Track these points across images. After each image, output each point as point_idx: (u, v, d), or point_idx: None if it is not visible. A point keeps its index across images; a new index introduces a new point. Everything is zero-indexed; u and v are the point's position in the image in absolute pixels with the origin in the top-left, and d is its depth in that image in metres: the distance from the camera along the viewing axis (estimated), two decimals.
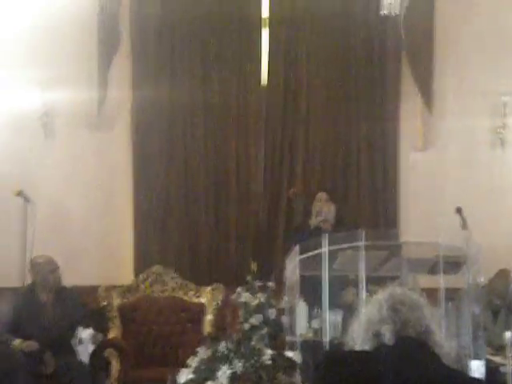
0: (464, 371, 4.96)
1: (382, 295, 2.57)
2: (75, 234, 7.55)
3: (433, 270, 5.28)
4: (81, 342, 6.30)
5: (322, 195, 6.76)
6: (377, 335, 2.49)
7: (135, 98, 7.65)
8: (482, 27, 7.73)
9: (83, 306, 6.74)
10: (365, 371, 2.43)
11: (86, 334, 6.31)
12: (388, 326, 2.47)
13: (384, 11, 5.84)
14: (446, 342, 2.52)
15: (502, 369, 5.71)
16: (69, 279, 6.78)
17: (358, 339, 2.54)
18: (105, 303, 7.08)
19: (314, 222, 6.62)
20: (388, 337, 2.46)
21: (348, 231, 5.63)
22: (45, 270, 6.60)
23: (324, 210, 6.64)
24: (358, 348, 2.55)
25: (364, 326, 2.53)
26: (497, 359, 5.93)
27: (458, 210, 6.11)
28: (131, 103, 7.67)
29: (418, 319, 2.48)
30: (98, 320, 6.81)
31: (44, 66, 7.35)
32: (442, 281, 4.86)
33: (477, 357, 5.29)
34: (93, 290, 7.10)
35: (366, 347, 2.51)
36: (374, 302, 2.56)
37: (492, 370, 5.68)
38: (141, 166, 7.70)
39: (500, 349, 5.85)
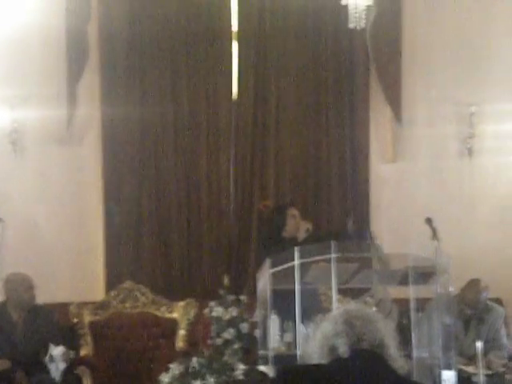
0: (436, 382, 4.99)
1: (336, 311, 2.60)
2: (46, 250, 7.49)
3: (403, 280, 5.29)
4: (52, 359, 6.24)
5: (294, 211, 6.73)
6: (332, 349, 2.52)
7: (105, 114, 7.62)
8: (450, 38, 7.80)
9: (55, 323, 6.69)
10: None
11: (57, 351, 6.25)
12: (342, 339, 2.48)
13: (351, 24, 5.87)
14: (400, 355, 2.54)
15: (473, 378, 5.74)
16: (39, 296, 6.73)
17: (314, 354, 2.56)
18: (76, 320, 7.03)
19: (300, 235, 6.58)
20: (342, 350, 2.49)
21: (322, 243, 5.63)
22: (20, 288, 6.55)
23: (306, 226, 6.63)
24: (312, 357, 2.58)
25: (319, 341, 2.56)
26: (469, 369, 5.96)
27: (428, 221, 6.12)
28: (101, 119, 7.64)
29: (372, 332, 2.51)
30: (70, 337, 6.76)
31: (12, 83, 7.33)
32: (411, 291, 4.88)
33: (448, 367, 5.31)
34: (64, 307, 7.04)
35: (322, 361, 2.53)
36: (329, 318, 2.59)
37: (464, 379, 5.70)
38: (111, 181, 7.67)
39: (472, 358, 5.87)
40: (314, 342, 2.59)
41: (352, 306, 2.65)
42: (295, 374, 2.55)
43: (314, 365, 2.56)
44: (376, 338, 2.50)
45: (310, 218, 6.90)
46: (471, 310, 6.38)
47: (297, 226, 6.54)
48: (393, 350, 2.52)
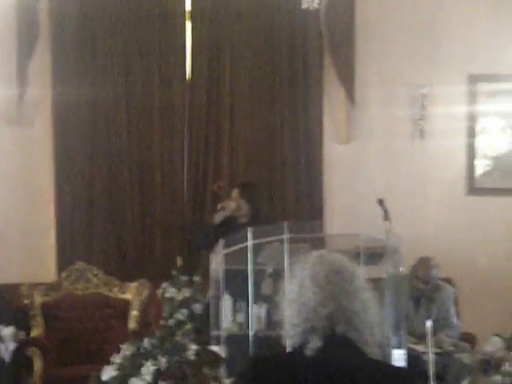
0: (387, 361, 5.04)
1: (313, 268, 2.48)
2: None
3: (354, 261, 5.32)
4: (1, 340, 6.19)
5: (234, 192, 6.78)
6: (308, 331, 2.44)
7: (56, 93, 7.54)
8: (403, 19, 7.82)
9: (5, 304, 6.63)
10: (290, 376, 2.42)
11: (6, 331, 6.20)
12: (319, 324, 2.42)
13: (304, 5, 5.87)
14: (373, 338, 2.49)
15: (423, 357, 5.81)
16: None
17: (289, 327, 2.50)
18: (27, 301, 6.97)
19: (216, 218, 6.64)
20: (318, 337, 2.43)
21: (265, 225, 5.65)
22: None
23: (230, 205, 6.68)
24: (286, 340, 2.53)
25: (297, 314, 2.44)
26: (419, 348, 6.03)
27: (380, 202, 6.16)
28: (52, 98, 7.55)
29: (349, 311, 2.46)
30: (20, 318, 6.71)
31: None
32: (362, 271, 4.91)
33: (398, 346, 5.37)
34: (15, 287, 6.99)
35: (296, 340, 2.48)
36: (304, 276, 2.48)
37: (414, 358, 5.77)
38: (63, 161, 7.60)
39: (422, 337, 5.94)
40: (291, 310, 2.49)
41: (330, 258, 2.50)
42: (264, 365, 2.51)
43: (283, 355, 2.51)
44: (351, 320, 2.44)
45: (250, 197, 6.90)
46: (423, 285, 6.44)
47: (220, 206, 6.63)
48: (367, 334, 2.46)
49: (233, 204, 6.67)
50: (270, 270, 5.85)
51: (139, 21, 7.70)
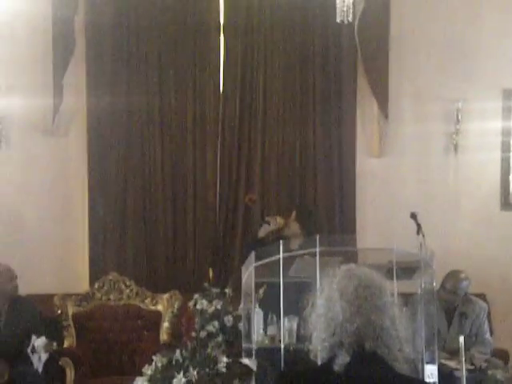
0: (418, 376, 5.00)
1: (341, 282, 2.48)
2: (30, 241, 7.48)
3: (387, 275, 5.29)
4: (34, 350, 6.22)
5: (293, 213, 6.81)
6: (336, 346, 2.43)
7: (91, 105, 7.60)
8: (437, 33, 7.80)
9: (38, 314, 6.67)
10: None
11: (39, 342, 6.23)
12: (347, 340, 2.39)
13: (338, 18, 5.85)
14: (402, 354, 2.46)
15: (456, 373, 5.77)
16: (23, 287, 6.73)
17: (318, 342, 2.49)
18: (59, 312, 7.01)
19: (262, 231, 6.63)
20: (347, 353, 2.40)
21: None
22: (3, 278, 6.54)
23: (277, 220, 6.65)
24: (314, 354, 2.51)
25: (325, 328, 2.46)
26: (451, 364, 5.99)
27: (413, 216, 6.14)
28: (87, 110, 7.61)
29: (380, 317, 2.42)
30: (53, 329, 6.74)
31: None
32: (395, 286, 4.88)
33: (431, 361, 5.32)
34: (48, 298, 7.03)
35: (324, 354, 2.46)
36: (332, 290, 2.48)
37: (446, 374, 5.73)
38: (97, 172, 7.65)
39: (454, 353, 5.90)
40: (318, 324, 2.48)
41: (359, 272, 2.50)
42: (292, 380, 2.50)
43: (312, 371, 2.49)
44: (380, 336, 2.41)
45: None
46: (450, 296, 6.38)
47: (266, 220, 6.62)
48: (396, 349, 2.43)
49: (281, 220, 6.65)
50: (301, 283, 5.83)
51: (173, 33, 7.73)
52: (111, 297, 7.25)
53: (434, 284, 5.68)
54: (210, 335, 5.96)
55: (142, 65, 7.71)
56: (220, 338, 5.92)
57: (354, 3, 5.70)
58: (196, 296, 6.35)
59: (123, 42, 7.67)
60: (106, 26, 7.62)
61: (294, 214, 6.78)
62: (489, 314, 6.79)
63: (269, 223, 6.69)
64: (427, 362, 5.29)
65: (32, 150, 7.57)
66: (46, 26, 7.38)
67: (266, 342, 5.76)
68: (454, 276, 6.46)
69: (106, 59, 7.65)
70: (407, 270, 5.51)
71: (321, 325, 2.47)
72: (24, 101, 7.33)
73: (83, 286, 7.48)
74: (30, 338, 6.32)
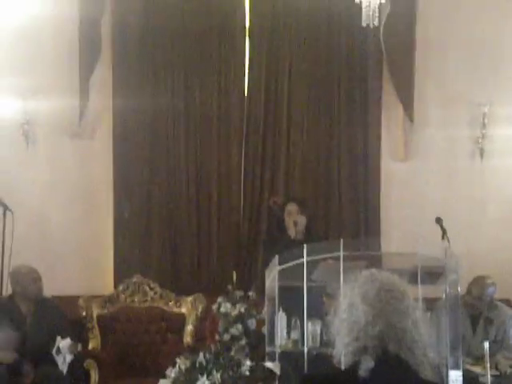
0: (442, 382, 4.97)
1: (363, 287, 2.48)
2: (55, 243, 7.53)
3: (412, 280, 5.27)
4: (59, 351, 6.25)
5: (293, 206, 6.71)
6: (360, 350, 2.43)
7: (117, 107, 7.64)
8: (463, 37, 7.77)
9: (63, 316, 6.70)
10: None
11: (64, 343, 6.26)
12: (370, 344, 2.38)
13: (364, 22, 5.84)
14: (427, 360, 2.45)
15: (481, 379, 5.72)
16: (48, 289, 6.76)
17: (341, 347, 2.48)
18: (84, 313, 7.04)
19: (293, 232, 6.55)
20: (370, 357, 2.40)
21: (317, 241, 5.61)
22: (27, 279, 6.56)
23: (300, 220, 6.60)
24: (337, 360, 2.51)
25: (347, 333, 2.45)
26: (476, 369, 5.94)
27: (438, 220, 6.11)
28: (112, 112, 7.65)
29: (402, 320, 2.42)
30: (78, 330, 6.77)
31: (25, 75, 7.36)
32: (419, 291, 4.86)
33: (455, 367, 5.29)
34: (72, 300, 7.06)
35: (348, 359, 2.45)
36: (354, 295, 2.48)
37: (471, 380, 5.69)
38: (122, 174, 7.68)
39: (479, 359, 5.86)
40: (340, 330, 2.47)
41: (381, 278, 2.49)
42: (318, 383, 2.50)
43: (336, 374, 2.49)
44: (403, 339, 2.42)
45: (306, 213, 6.82)
46: (477, 302, 6.34)
47: (291, 223, 6.53)
48: (420, 354, 2.43)
49: (304, 219, 6.62)
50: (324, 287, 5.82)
51: (199, 35, 7.76)
52: (135, 299, 7.28)
53: (459, 289, 5.64)
54: (234, 338, 5.96)
55: (167, 67, 7.74)
56: (243, 342, 5.92)
57: (379, 7, 5.69)
58: (220, 299, 6.36)
59: (149, 44, 7.71)
60: (132, 28, 7.66)
61: (294, 206, 6.72)
62: None
63: (296, 224, 6.60)
64: (452, 368, 5.26)
65: (58, 151, 7.62)
66: (72, 28, 7.42)
67: (290, 345, 5.75)
68: (480, 282, 6.41)
69: (131, 61, 7.69)
70: (431, 274, 5.48)
71: (344, 329, 2.47)
72: (50, 103, 7.38)
73: (108, 288, 7.51)
74: (55, 340, 6.35)
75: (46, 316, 6.55)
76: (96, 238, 7.64)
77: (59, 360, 6.24)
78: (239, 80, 7.82)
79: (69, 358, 6.25)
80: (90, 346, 6.94)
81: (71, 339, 6.30)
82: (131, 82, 7.68)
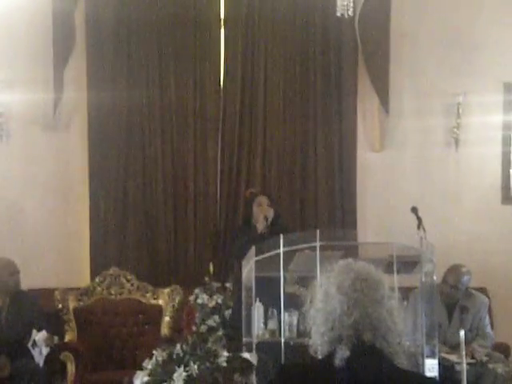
0: (418, 370, 5.01)
1: (339, 277, 2.49)
2: (31, 235, 7.49)
3: (387, 269, 5.30)
4: (35, 344, 6.23)
5: (263, 199, 6.69)
6: (336, 340, 2.44)
7: (91, 99, 7.59)
8: (438, 28, 7.80)
9: (39, 309, 6.68)
10: None
11: (39, 336, 6.24)
12: (345, 333, 2.40)
13: (339, 12, 5.84)
14: (401, 349, 2.46)
15: (456, 367, 5.77)
16: (25, 282, 6.74)
17: (317, 337, 2.49)
18: (60, 306, 7.02)
19: (261, 226, 6.50)
20: (345, 346, 2.41)
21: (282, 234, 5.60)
22: (4, 273, 6.54)
23: (269, 215, 6.55)
24: (313, 349, 2.51)
25: (323, 322, 2.46)
26: (452, 357, 5.99)
27: (413, 210, 6.15)
28: (87, 104, 7.61)
29: (377, 310, 2.42)
30: (54, 323, 6.75)
31: None
32: (395, 280, 4.89)
33: (431, 355, 5.33)
34: (49, 292, 7.03)
35: (324, 349, 2.46)
36: (330, 285, 2.48)
37: (446, 368, 5.73)
38: (97, 167, 7.64)
39: (455, 347, 5.90)
40: (316, 319, 2.48)
41: (357, 268, 2.49)
42: (293, 374, 2.50)
43: (313, 363, 2.50)
44: (378, 329, 2.42)
45: (275, 206, 6.79)
46: (452, 290, 6.38)
47: (260, 217, 6.49)
48: (395, 343, 2.43)
49: (272, 212, 6.59)
50: (299, 277, 5.84)
51: (174, 27, 7.72)
52: (112, 291, 7.26)
53: (435, 278, 5.68)
54: (211, 329, 5.98)
55: (142, 59, 7.71)
56: (220, 333, 5.94)
57: None
58: (197, 290, 6.38)
59: (123, 37, 7.67)
60: (106, 20, 7.61)
61: (265, 199, 6.71)
62: (490, 308, 6.80)
63: (267, 218, 6.57)
64: (428, 356, 5.30)
65: (33, 143, 7.57)
66: (46, 19, 7.36)
67: (267, 336, 5.77)
68: (455, 270, 6.46)
69: (106, 53, 7.65)
70: (407, 264, 5.52)
71: (319, 319, 2.48)
72: (25, 95, 7.33)
73: (84, 280, 7.48)
74: (30, 333, 6.33)
75: (21, 309, 6.52)
76: (72, 231, 7.61)
77: (35, 353, 6.22)
78: (215, 72, 7.80)
79: (45, 350, 6.24)
80: (67, 339, 6.93)
81: (47, 332, 6.29)
82: (106, 74, 7.64)
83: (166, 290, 7.24)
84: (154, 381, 5.01)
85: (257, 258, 5.57)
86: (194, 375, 4.93)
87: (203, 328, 6.01)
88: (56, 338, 6.40)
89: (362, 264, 2.53)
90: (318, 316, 2.48)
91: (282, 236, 5.53)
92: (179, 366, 4.97)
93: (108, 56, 7.65)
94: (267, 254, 5.55)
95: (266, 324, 5.83)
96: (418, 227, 5.98)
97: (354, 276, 2.46)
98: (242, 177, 7.78)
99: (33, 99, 7.38)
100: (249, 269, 5.69)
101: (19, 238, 7.41)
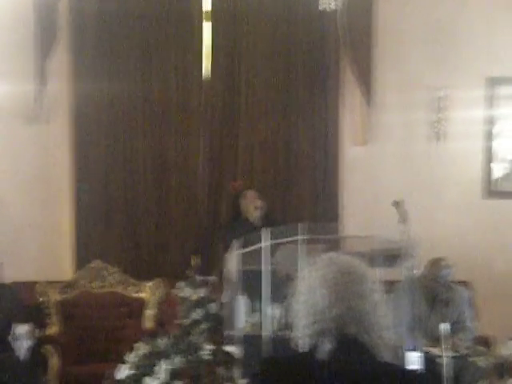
0: (400, 363, 5.03)
1: (322, 270, 2.48)
2: (13, 228, 7.46)
3: (370, 263, 5.31)
4: (16, 337, 6.22)
5: (251, 193, 6.71)
6: (318, 333, 2.45)
7: (74, 91, 7.57)
8: (421, 22, 7.81)
9: (20, 302, 6.66)
10: (301, 379, 2.41)
11: (20, 329, 6.23)
12: (328, 326, 2.41)
13: (321, 6, 5.85)
14: (384, 342, 2.47)
15: (438, 360, 5.80)
16: (6, 275, 6.72)
17: (299, 330, 2.50)
18: (42, 299, 7.01)
19: (253, 217, 6.53)
20: (328, 340, 2.41)
21: (275, 226, 5.63)
22: None
23: (261, 205, 6.60)
24: (296, 343, 2.52)
25: (306, 316, 2.43)
26: (434, 351, 6.02)
27: (395, 204, 6.16)
28: (70, 96, 7.58)
29: (360, 303, 2.44)
30: (36, 316, 6.73)
31: None
32: (377, 273, 4.90)
33: (413, 348, 5.35)
34: (31, 285, 7.02)
35: (307, 342, 2.47)
36: (313, 278, 2.47)
37: (428, 361, 5.75)
38: (80, 159, 7.63)
39: (437, 340, 5.93)
40: (299, 313, 2.49)
41: (340, 262, 2.48)
42: (276, 367, 2.50)
43: (295, 357, 2.50)
44: (361, 322, 2.44)
45: (264, 198, 6.81)
46: (432, 283, 6.41)
47: (252, 206, 6.52)
48: (378, 337, 2.44)
49: (264, 204, 6.60)
50: (284, 271, 5.86)
51: (157, 20, 7.72)
52: (95, 284, 7.26)
53: (416, 271, 5.70)
54: (194, 323, 5.97)
55: (125, 51, 7.70)
56: (204, 326, 5.94)
57: None
58: (180, 284, 6.36)
59: (107, 29, 7.65)
60: (89, 12, 7.59)
61: (252, 193, 6.72)
62: (471, 301, 6.83)
63: (261, 208, 6.57)
64: (409, 349, 5.32)
65: (14, 136, 7.53)
66: (28, 10, 7.33)
67: (250, 329, 5.78)
68: (435, 263, 6.49)
69: (89, 45, 7.63)
70: (389, 257, 5.53)
71: (302, 312, 2.48)
72: (6, 87, 7.29)
73: (67, 273, 7.47)
74: (11, 326, 6.31)
75: (2, 302, 6.50)
76: (54, 224, 7.59)
77: (16, 346, 6.21)
78: (198, 65, 7.80)
79: (26, 343, 6.22)
80: (49, 332, 6.91)
81: (28, 325, 6.28)
82: (89, 66, 7.62)
83: (149, 284, 7.24)
84: (136, 374, 5.01)
85: (240, 252, 5.58)
86: (177, 368, 4.94)
87: (186, 321, 6.00)
88: (37, 331, 6.39)
89: (345, 257, 2.53)
90: (301, 309, 2.48)
91: (266, 230, 5.54)
92: (162, 360, 4.98)
93: (91, 48, 7.63)
94: (251, 248, 5.57)
95: (248, 317, 5.84)
96: (400, 221, 5.99)
97: (336, 269, 2.47)
98: (226, 170, 7.78)
99: (15, 91, 7.34)
100: (232, 262, 5.70)
101: (1, 230, 7.37)
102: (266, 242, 5.50)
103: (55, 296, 7.09)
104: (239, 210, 6.60)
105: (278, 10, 7.76)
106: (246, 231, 5.98)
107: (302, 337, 2.47)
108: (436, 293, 6.44)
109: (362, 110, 7.80)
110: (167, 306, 6.94)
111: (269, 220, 6.48)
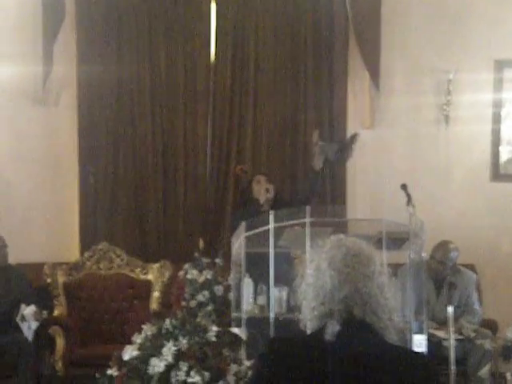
0: (406, 346, 5.03)
1: (330, 252, 2.49)
2: (20, 210, 7.48)
3: (377, 245, 5.30)
4: (23, 319, 6.24)
5: (262, 177, 6.69)
6: (326, 315, 2.45)
7: (81, 74, 7.56)
8: (429, 4, 7.78)
9: (27, 283, 6.68)
10: (309, 359, 2.41)
11: (28, 310, 6.25)
12: (336, 308, 2.41)
13: None
14: (392, 324, 2.47)
15: (444, 343, 5.81)
16: (13, 257, 6.73)
17: (307, 311, 2.50)
18: (49, 280, 7.02)
19: (263, 198, 6.50)
20: (336, 321, 2.42)
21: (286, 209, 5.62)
22: None
23: (270, 188, 6.57)
24: (303, 324, 2.52)
25: (314, 297, 2.46)
26: (440, 333, 6.03)
27: (403, 187, 6.14)
28: (77, 78, 7.57)
29: (368, 285, 2.43)
30: (43, 297, 6.75)
31: None
32: (384, 256, 4.89)
33: (419, 331, 5.35)
34: (38, 267, 7.03)
35: (314, 323, 2.47)
36: (321, 260, 2.48)
37: (434, 344, 5.77)
38: (87, 142, 7.63)
39: (443, 323, 5.94)
40: (307, 294, 2.49)
41: (347, 244, 2.50)
42: (284, 347, 2.51)
43: (303, 337, 2.51)
44: (368, 304, 2.43)
45: (274, 182, 6.80)
46: (440, 266, 6.41)
47: (261, 190, 6.50)
48: (385, 318, 2.44)
49: (273, 188, 6.59)
50: (291, 253, 5.86)
51: (164, 2, 7.69)
52: (101, 266, 7.27)
53: (424, 254, 5.70)
54: (200, 305, 5.99)
55: (132, 34, 7.68)
56: (210, 308, 5.95)
57: None
58: (186, 266, 6.37)
59: (114, 11, 7.63)
60: None
61: (262, 178, 6.70)
62: (478, 284, 6.83)
63: (268, 191, 6.57)
64: (416, 332, 5.33)
65: (22, 118, 7.53)
66: None
67: (256, 311, 5.79)
68: (443, 246, 6.48)
69: (96, 28, 7.61)
70: (397, 240, 5.53)
71: (310, 294, 2.48)
72: (14, 69, 7.29)
73: (74, 255, 7.49)
74: (19, 307, 6.34)
75: (9, 283, 6.53)
76: (61, 206, 7.60)
77: (24, 327, 6.23)
78: (205, 47, 7.77)
79: (34, 325, 6.25)
80: (56, 314, 6.94)
81: (36, 306, 6.30)
82: (96, 49, 7.60)
83: (156, 266, 7.25)
84: (143, 355, 5.01)
85: (246, 234, 5.57)
86: (183, 349, 4.94)
87: (193, 303, 6.01)
88: (45, 313, 6.41)
89: (353, 240, 2.54)
90: (309, 291, 2.49)
91: (272, 212, 5.54)
92: (168, 341, 4.99)
93: (98, 31, 7.61)
94: (257, 230, 5.56)
95: (255, 299, 5.84)
96: (408, 204, 5.98)
97: (345, 251, 2.47)
98: (232, 153, 7.77)
99: (22, 73, 7.34)
100: (238, 244, 5.70)
101: (8, 212, 7.38)
102: (273, 224, 5.49)
103: (62, 278, 7.11)
104: (251, 195, 6.58)
105: None
106: (257, 215, 5.97)
107: (310, 318, 2.47)
108: (443, 276, 6.44)
109: (370, 94, 7.78)
110: (174, 287, 6.95)
111: (278, 203, 6.46)
